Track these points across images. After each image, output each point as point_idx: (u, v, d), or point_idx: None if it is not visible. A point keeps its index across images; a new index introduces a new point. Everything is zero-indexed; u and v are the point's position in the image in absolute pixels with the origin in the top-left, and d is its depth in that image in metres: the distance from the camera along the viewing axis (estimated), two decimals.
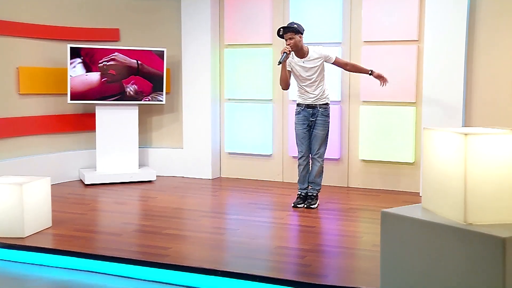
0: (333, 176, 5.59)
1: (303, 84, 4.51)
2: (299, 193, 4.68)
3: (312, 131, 4.57)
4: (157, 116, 6.21)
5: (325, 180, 5.29)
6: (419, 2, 5.17)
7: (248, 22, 5.84)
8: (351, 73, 5.20)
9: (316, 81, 4.50)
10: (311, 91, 4.52)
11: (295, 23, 4.43)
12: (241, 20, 5.88)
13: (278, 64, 4.33)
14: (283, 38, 4.45)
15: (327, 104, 4.58)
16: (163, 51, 5.78)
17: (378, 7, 5.32)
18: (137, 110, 5.85)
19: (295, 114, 4.60)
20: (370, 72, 4.55)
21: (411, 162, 5.30)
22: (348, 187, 5.55)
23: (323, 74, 4.55)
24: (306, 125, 4.55)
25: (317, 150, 4.54)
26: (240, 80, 5.95)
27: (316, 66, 4.48)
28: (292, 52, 4.41)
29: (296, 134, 4.59)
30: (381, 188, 5.45)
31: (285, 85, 4.46)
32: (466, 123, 4.98)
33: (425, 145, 2.52)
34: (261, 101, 5.91)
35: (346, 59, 5.47)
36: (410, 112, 5.27)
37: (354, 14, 5.45)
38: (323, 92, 4.55)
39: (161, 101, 5.84)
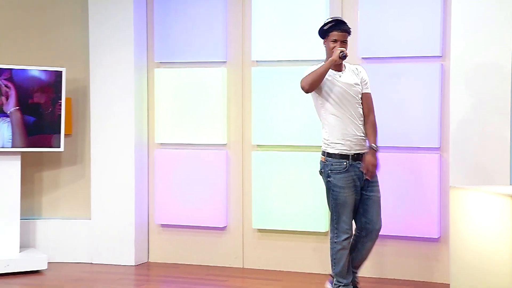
0: (315, 257, 5.54)
1: (347, 110, 4.53)
2: None
3: (365, 194, 4.59)
4: (51, 170, 6.17)
5: (313, 265, 5.28)
6: (442, 2, 5.21)
7: (191, 31, 5.91)
8: None
9: (354, 101, 4.58)
10: (357, 120, 4.54)
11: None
12: (180, 28, 5.93)
13: (342, 55, 4.45)
14: (326, 34, 4.56)
15: None
16: (61, 71, 5.78)
17: (381, 11, 5.37)
18: (19, 162, 5.78)
19: (337, 173, 4.53)
20: (373, 146, 4.58)
21: (435, 237, 5.30)
22: None
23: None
24: (354, 189, 4.58)
25: (380, 221, 4.61)
26: (179, 116, 5.96)
27: (358, 84, 4.60)
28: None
29: (342, 203, 4.54)
30: (392, 277, 5.42)
31: (315, 82, 4.47)
32: None
33: (454, 212, 2.73)
34: (210, 147, 5.92)
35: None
36: (432, 162, 5.27)
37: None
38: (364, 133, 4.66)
39: (57, 147, 5.76)
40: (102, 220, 6.00)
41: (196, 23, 5.87)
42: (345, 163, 4.51)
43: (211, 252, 5.91)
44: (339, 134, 4.51)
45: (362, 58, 5.42)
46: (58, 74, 5.75)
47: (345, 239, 4.52)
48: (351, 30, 4.61)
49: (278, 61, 5.64)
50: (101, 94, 6.00)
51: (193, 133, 5.92)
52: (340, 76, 4.56)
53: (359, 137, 4.55)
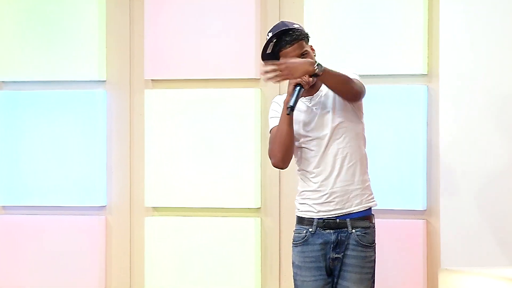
0: None
1: (308, 153, 4.24)
2: None
3: (337, 283, 4.13)
4: None
5: None
6: (426, 4, 5.11)
7: (50, 37, 5.62)
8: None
9: (338, 137, 4.15)
10: (335, 164, 4.19)
11: (294, 23, 4.26)
12: (33, 32, 5.62)
13: (289, 110, 4.14)
14: (277, 58, 4.20)
15: (369, 217, 4.14)
16: None
17: (338, 13, 5.24)
18: None
19: (295, 245, 4.22)
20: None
21: None
22: None
23: (361, 128, 4.14)
24: (322, 270, 4.12)
25: None
26: (32, 163, 5.47)
27: (331, 102, 4.19)
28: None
29: None
30: None
31: (286, 152, 4.19)
32: None
33: None
34: (81, 211, 5.51)
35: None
36: (415, 231, 5.10)
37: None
38: (361, 179, 4.15)
39: None
40: None
41: (59, 24, 5.57)
42: (304, 232, 4.13)
43: None
44: (300, 189, 4.29)
45: None
46: None
47: None
48: (303, 30, 4.20)
49: (183, 80, 5.41)
50: None
51: (53, 190, 5.47)
52: (310, 101, 4.19)
53: (322, 194, 4.12)
